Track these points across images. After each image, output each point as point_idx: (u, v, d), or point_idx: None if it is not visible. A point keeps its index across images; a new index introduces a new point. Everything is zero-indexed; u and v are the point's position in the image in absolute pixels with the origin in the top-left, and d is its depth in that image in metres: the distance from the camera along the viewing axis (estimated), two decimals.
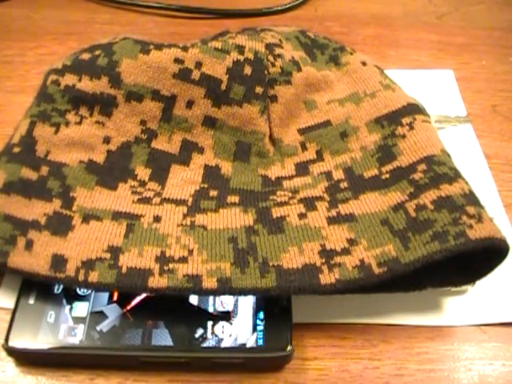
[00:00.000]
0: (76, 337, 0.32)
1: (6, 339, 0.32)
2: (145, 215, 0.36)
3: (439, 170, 0.35)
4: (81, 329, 0.32)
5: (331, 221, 0.35)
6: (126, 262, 0.33)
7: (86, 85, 0.39)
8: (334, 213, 0.35)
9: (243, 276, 0.32)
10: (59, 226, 0.35)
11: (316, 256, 0.33)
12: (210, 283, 0.32)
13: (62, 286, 0.34)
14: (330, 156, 0.39)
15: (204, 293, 0.32)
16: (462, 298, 0.36)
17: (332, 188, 0.37)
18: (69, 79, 0.39)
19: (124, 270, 0.32)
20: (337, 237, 0.34)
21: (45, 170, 0.37)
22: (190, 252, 0.33)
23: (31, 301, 0.33)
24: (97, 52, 0.40)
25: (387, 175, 0.37)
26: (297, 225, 0.35)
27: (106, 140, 0.39)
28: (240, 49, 0.40)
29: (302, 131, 0.41)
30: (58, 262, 0.33)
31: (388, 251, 0.32)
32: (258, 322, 0.33)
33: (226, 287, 0.32)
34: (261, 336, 0.32)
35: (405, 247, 0.32)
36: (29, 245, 0.33)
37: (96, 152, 0.39)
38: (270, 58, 0.40)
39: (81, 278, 0.32)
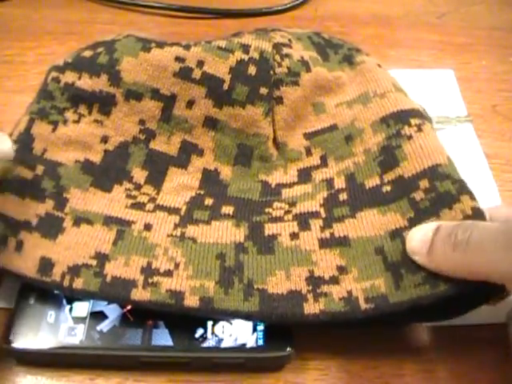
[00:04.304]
0: (76, 337, 0.32)
1: (6, 339, 0.32)
2: (136, 222, 0.35)
3: (441, 187, 0.33)
4: (81, 329, 0.32)
5: (323, 244, 0.34)
6: (111, 270, 0.32)
7: (86, 83, 0.38)
8: (327, 234, 0.34)
9: (226, 297, 0.31)
10: (50, 227, 0.34)
11: (303, 283, 0.32)
12: (191, 301, 0.31)
13: None
14: (334, 162, 0.38)
15: (185, 311, 0.31)
16: None
17: (330, 200, 0.36)
18: (69, 76, 0.39)
19: (108, 278, 0.32)
20: (327, 263, 0.33)
21: (40, 169, 0.36)
22: (176, 266, 0.33)
23: (31, 301, 0.33)
24: (99, 49, 0.39)
25: (388, 187, 0.35)
26: (287, 246, 0.34)
27: (104, 139, 0.38)
28: (245, 48, 0.38)
29: (308, 136, 0.40)
30: (46, 265, 0.33)
31: (378, 286, 0.31)
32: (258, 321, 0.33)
33: (208, 307, 0.31)
34: (261, 336, 0.32)
35: (395, 285, 0.31)
36: (19, 246, 0.33)
37: (93, 151, 0.38)
38: (277, 57, 0.39)
39: (66, 283, 0.32)
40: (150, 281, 0.32)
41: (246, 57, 0.38)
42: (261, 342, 0.32)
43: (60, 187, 0.36)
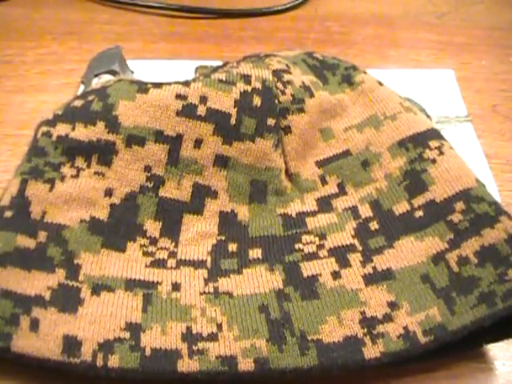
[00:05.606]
0: None
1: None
2: (161, 282, 0.33)
3: (479, 208, 0.33)
4: None
5: (368, 280, 0.33)
6: (148, 342, 0.30)
7: (81, 133, 0.35)
8: (369, 269, 0.33)
9: (281, 355, 0.29)
10: (67, 300, 0.31)
11: (357, 326, 0.31)
12: (246, 365, 0.29)
13: None
14: (353, 189, 0.37)
15: (240, 376, 0.29)
16: None
17: (362, 231, 0.35)
18: (61, 129, 0.35)
19: (148, 351, 0.29)
20: (376, 301, 0.32)
21: (43, 235, 0.33)
22: (219, 327, 0.31)
23: None
24: (90, 97, 0.36)
25: (420, 212, 0.34)
26: (331, 287, 0.32)
27: (108, 192, 0.35)
28: (246, 78, 0.37)
29: (320, 163, 0.38)
30: (71, 344, 0.29)
31: (433, 316, 0.31)
32: None
33: (264, 368, 0.29)
34: None
35: (450, 311, 0.30)
36: (34, 325, 0.30)
37: (98, 207, 0.35)
38: (279, 85, 0.37)
39: (99, 362, 0.29)
40: (194, 348, 0.30)
41: (248, 88, 0.36)
42: None
43: (69, 253, 0.33)
